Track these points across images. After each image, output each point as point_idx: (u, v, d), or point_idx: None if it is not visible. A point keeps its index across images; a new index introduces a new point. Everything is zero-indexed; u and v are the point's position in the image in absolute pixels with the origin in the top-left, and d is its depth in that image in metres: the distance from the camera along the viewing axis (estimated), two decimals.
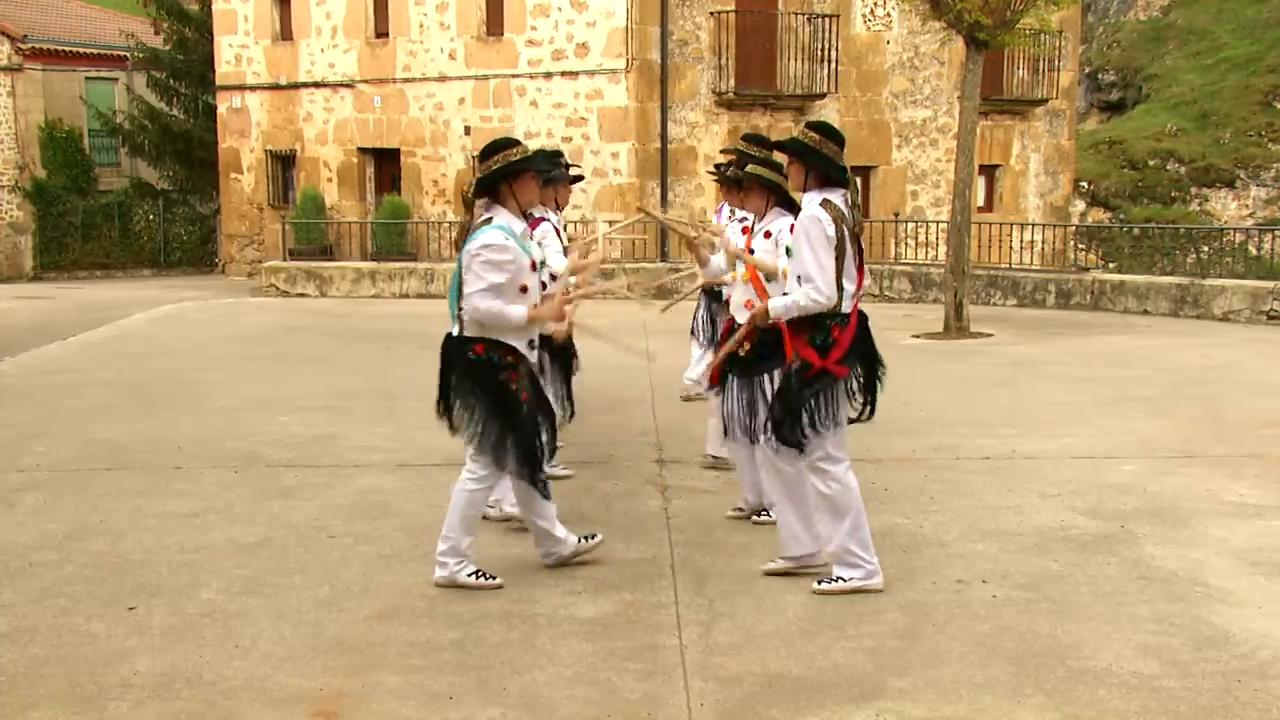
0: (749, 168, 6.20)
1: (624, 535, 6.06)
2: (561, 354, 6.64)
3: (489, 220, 5.12)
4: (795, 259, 5.07)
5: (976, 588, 5.26)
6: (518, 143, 5.20)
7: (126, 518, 6.38)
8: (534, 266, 5.17)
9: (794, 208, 5.97)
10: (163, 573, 5.50)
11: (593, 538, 5.61)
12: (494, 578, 5.29)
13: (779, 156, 6.08)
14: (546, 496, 5.38)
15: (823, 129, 5.15)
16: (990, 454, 7.72)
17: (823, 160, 5.08)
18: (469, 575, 5.25)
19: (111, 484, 7.08)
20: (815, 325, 5.12)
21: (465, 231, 5.19)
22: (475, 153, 21.36)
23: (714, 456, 7.26)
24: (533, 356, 5.25)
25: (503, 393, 5.12)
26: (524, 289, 5.10)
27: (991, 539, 5.95)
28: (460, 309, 5.14)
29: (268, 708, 4.13)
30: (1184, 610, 4.97)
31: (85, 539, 6.01)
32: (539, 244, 6.46)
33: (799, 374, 5.14)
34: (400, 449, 7.71)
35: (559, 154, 7.69)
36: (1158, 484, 6.94)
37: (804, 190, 5.17)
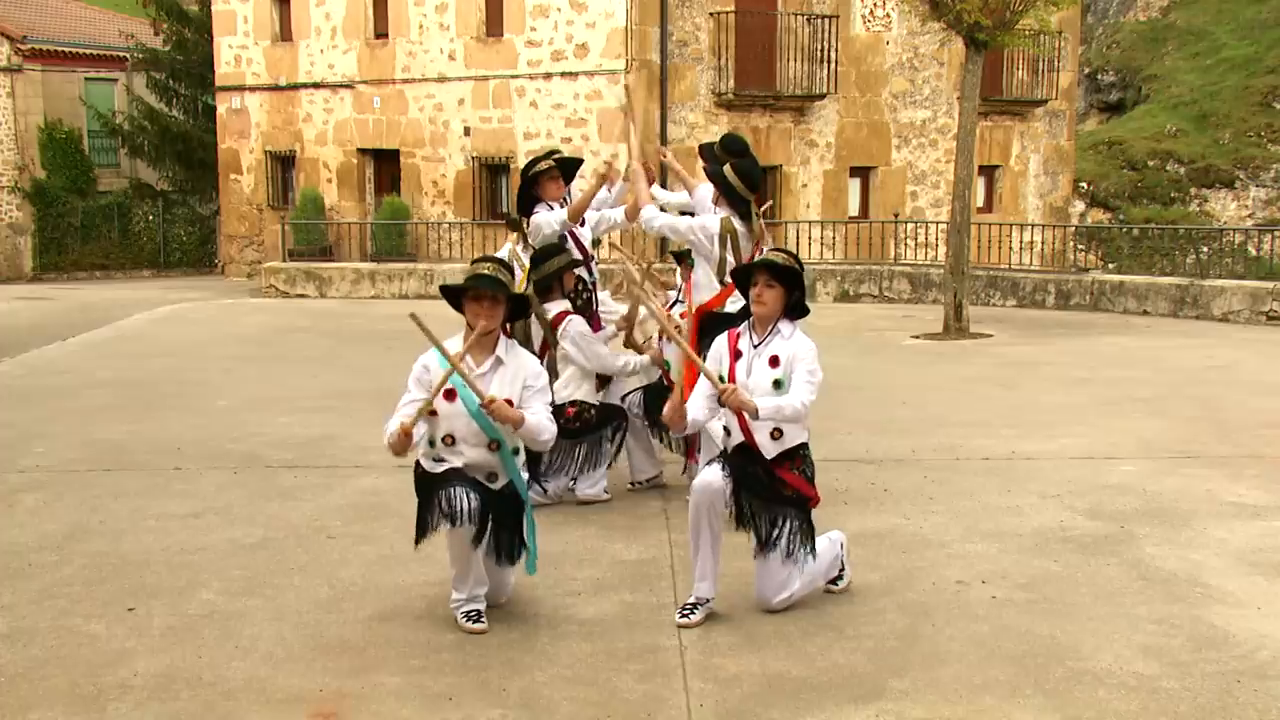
0: (725, 168, 6.25)
1: (624, 535, 6.07)
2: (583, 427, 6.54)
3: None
4: (795, 376, 4.85)
5: (976, 588, 5.26)
6: (492, 260, 4.97)
7: (126, 518, 6.38)
8: (449, 394, 4.71)
9: (741, 215, 6.09)
10: (162, 573, 5.50)
11: (477, 622, 4.85)
12: (479, 619, 4.87)
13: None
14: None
15: (797, 260, 5.01)
16: (990, 454, 7.72)
17: (803, 292, 4.98)
18: (461, 611, 4.90)
19: (111, 485, 7.08)
20: (804, 457, 4.97)
21: None
22: (475, 153, 21.22)
23: (644, 481, 7.03)
24: (436, 468, 4.84)
25: (420, 479, 4.92)
26: (433, 413, 4.77)
27: (991, 539, 5.95)
28: None
29: (267, 708, 4.13)
30: (1184, 611, 4.97)
31: (85, 540, 6.01)
32: (571, 346, 6.46)
33: (803, 508, 4.96)
34: None
35: (556, 152, 7.71)
36: (1157, 484, 6.94)
37: (777, 318, 4.94)
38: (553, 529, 6.17)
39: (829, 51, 20.38)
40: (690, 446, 6.73)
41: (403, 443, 4.64)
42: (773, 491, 4.92)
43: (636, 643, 4.68)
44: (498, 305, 4.81)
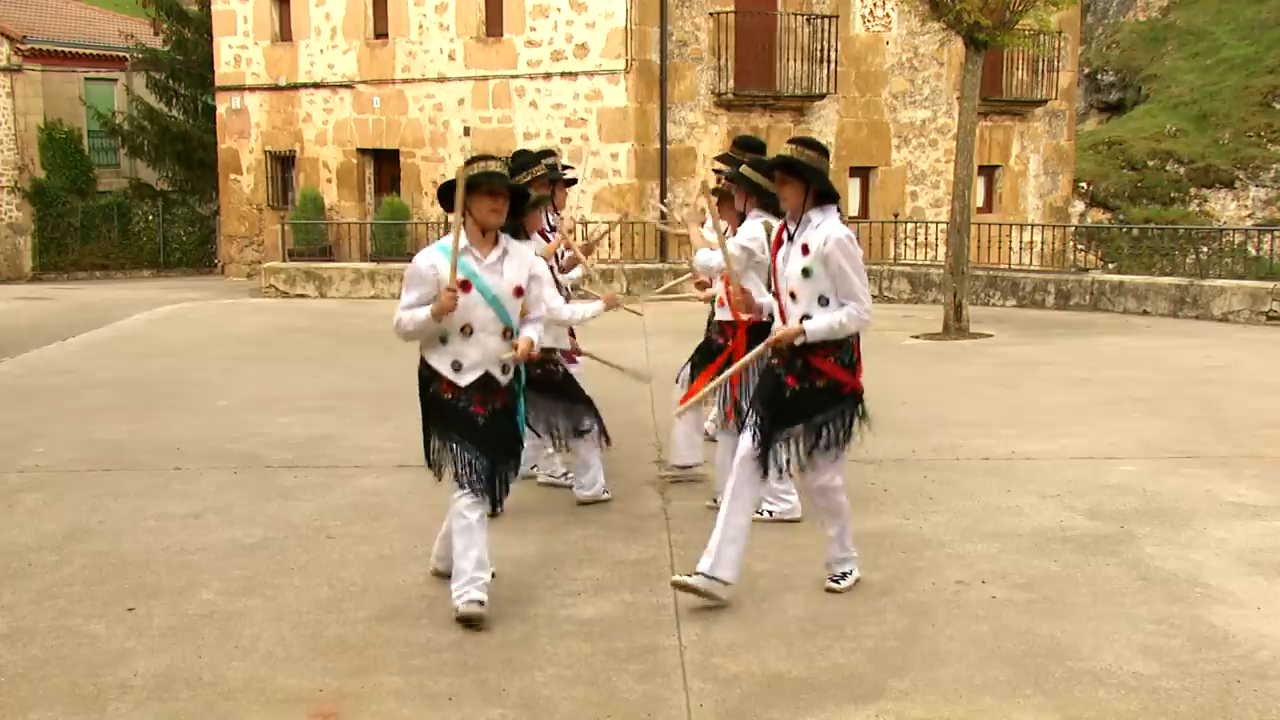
0: (742, 168, 6.23)
1: (624, 536, 6.07)
2: (546, 379, 6.51)
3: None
4: (830, 277, 4.95)
5: (976, 588, 5.26)
6: (489, 158, 5.07)
7: (126, 518, 6.38)
8: (466, 286, 4.86)
9: (773, 210, 6.01)
10: (162, 573, 5.50)
11: (480, 604, 4.91)
12: (481, 603, 4.91)
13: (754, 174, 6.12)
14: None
15: (816, 146, 5.10)
16: (990, 454, 7.72)
17: (823, 178, 5.03)
18: (465, 602, 4.90)
19: (111, 485, 7.08)
20: (839, 344, 5.05)
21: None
22: (475, 153, 21.49)
23: (681, 467, 7.10)
24: (463, 380, 4.95)
25: (434, 405, 5.01)
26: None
27: (991, 539, 5.95)
28: None
29: (267, 708, 4.13)
30: (1183, 611, 4.97)
31: (85, 540, 6.01)
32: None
33: (833, 394, 5.05)
34: (399, 450, 7.71)
35: (551, 153, 7.70)
36: (1157, 484, 6.94)
37: (803, 209, 5.05)
38: (552, 529, 6.17)
39: (829, 51, 20.38)
40: (729, 405, 6.63)
41: (449, 304, 4.76)
42: (807, 404, 5.03)
43: (636, 643, 4.68)
44: (506, 200, 4.98)
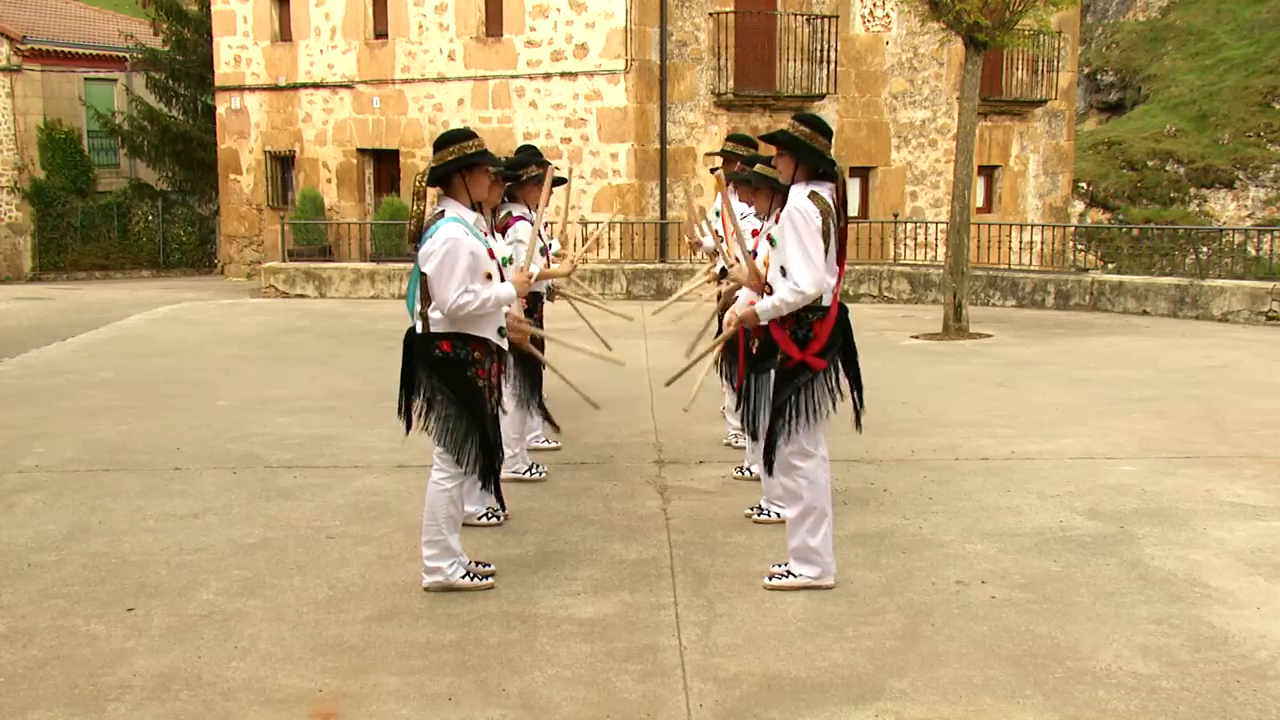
0: (757, 167, 6.23)
1: (623, 536, 6.06)
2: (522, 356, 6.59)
3: (441, 214, 5.05)
4: (778, 251, 5.10)
5: (975, 588, 5.26)
6: (473, 135, 5.16)
7: (125, 518, 6.38)
8: (491, 254, 5.13)
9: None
10: (161, 574, 5.50)
11: (485, 579, 5.31)
12: (486, 577, 5.30)
13: (765, 149, 6.16)
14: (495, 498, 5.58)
15: (811, 122, 5.14)
16: (989, 454, 7.72)
17: (811, 154, 5.08)
18: (462, 577, 5.24)
19: (110, 485, 7.08)
20: (796, 319, 5.15)
21: (420, 225, 5.06)
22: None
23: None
24: (504, 343, 5.29)
25: (470, 390, 5.10)
26: (489, 276, 5.07)
27: (990, 540, 5.95)
28: (421, 308, 5.03)
29: (267, 708, 4.13)
30: (1183, 611, 4.97)
31: (84, 540, 6.01)
32: (514, 242, 6.62)
33: (781, 367, 5.22)
34: (399, 450, 7.71)
35: (535, 150, 7.71)
36: (1157, 484, 6.94)
37: (791, 182, 5.17)
38: (552, 529, 6.18)
39: (828, 51, 20.38)
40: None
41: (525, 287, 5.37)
42: (774, 384, 5.27)
43: (636, 643, 4.68)
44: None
